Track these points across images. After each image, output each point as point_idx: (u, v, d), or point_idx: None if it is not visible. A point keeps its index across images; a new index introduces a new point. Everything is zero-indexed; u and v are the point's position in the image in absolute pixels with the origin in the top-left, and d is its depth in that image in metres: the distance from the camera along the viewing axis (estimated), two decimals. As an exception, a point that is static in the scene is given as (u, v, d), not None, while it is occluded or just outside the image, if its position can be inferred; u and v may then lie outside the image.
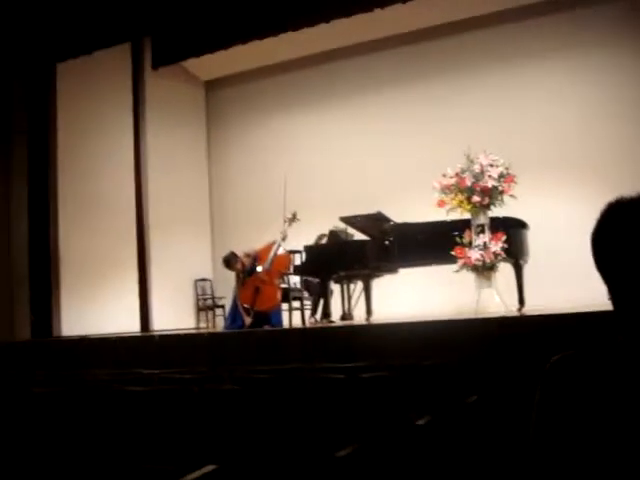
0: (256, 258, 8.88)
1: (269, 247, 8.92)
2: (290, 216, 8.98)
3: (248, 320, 8.63)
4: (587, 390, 1.30)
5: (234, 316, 8.90)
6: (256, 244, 9.31)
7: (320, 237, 9.30)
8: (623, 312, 1.36)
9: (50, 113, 10.52)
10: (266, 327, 8.48)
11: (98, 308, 10.51)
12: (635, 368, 1.28)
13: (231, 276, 9.32)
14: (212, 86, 13.30)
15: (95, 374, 5.46)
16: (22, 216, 10.08)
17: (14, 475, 2.05)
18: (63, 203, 10.47)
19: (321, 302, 8.99)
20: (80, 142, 10.85)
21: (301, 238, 9.35)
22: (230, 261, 9.01)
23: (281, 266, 8.85)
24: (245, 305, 8.73)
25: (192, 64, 12.07)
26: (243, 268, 8.88)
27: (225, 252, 9.47)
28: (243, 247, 9.35)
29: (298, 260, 9.22)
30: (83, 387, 4.18)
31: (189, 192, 12.52)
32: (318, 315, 9.05)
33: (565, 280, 9.17)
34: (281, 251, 8.91)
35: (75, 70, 10.61)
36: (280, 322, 8.77)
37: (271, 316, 8.67)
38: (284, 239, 8.95)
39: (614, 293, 1.40)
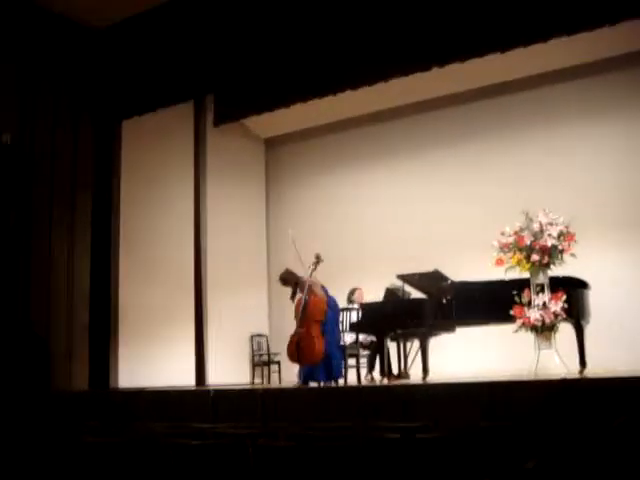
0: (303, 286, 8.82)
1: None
2: (314, 260, 8.87)
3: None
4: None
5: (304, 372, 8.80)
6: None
7: (388, 291, 9.16)
8: None
9: (114, 169, 10.79)
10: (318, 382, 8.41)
11: (155, 361, 10.59)
12: None
13: (287, 331, 9.24)
14: (272, 143, 13.52)
15: (149, 426, 5.47)
16: (84, 268, 10.29)
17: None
18: (124, 258, 10.65)
19: (377, 359, 8.92)
20: (142, 198, 11.10)
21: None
22: (286, 278, 8.98)
23: (316, 314, 8.71)
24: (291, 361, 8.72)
25: (252, 122, 12.31)
26: (298, 281, 8.85)
27: (283, 307, 9.46)
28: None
29: (354, 317, 9.18)
30: (136, 439, 4.18)
31: (247, 248, 12.65)
32: (375, 372, 8.96)
33: (627, 342, 8.94)
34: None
35: (140, 126, 10.90)
36: (339, 373, 8.66)
37: (321, 368, 8.53)
38: (310, 287, 8.77)
39: None
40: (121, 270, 10.60)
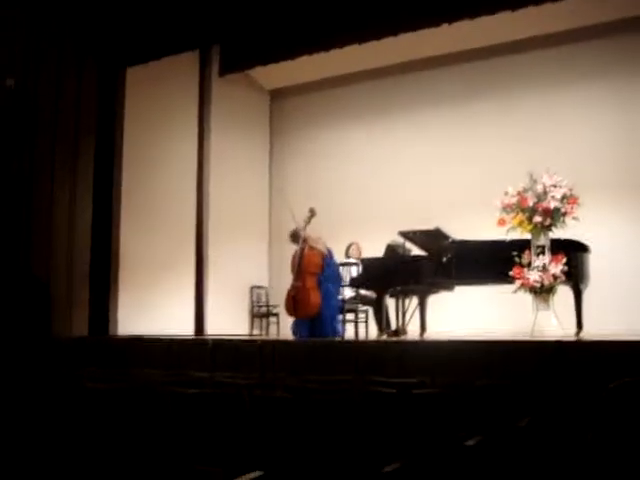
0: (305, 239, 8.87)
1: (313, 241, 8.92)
2: (308, 214, 8.95)
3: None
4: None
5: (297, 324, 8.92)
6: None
7: (389, 247, 9.18)
8: None
9: (117, 115, 10.72)
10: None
11: (154, 309, 10.65)
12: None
13: (286, 284, 9.29)
14: (277, 95, 13.41)
15: (147, 374, 5.52)
16: (85, 215, 10.28)
17: (65, 466, 2.09)
18: (126, 205, 10.64)
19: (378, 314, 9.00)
20: (145, 145, 11.04)
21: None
22: (296, 236, 9.01)
23: (311, 266, 8.79)
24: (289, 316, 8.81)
25: (258, 73, 12.20)
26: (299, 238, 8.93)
27: (283, 260, 9.50)
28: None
29: (355, 272, 9.21)
30: (135, 386, 4.23)
31: (250, 199, 12.63)
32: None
33: (625, 305, 8.99)
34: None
35: (144, 74, 10.80)
36: (337, 331, 8.73)
37: (322, 322, 8.61)
38: (305, 240, 8.90)
39: None
40: (123, 217, 10.59)
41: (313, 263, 8.77)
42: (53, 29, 10.07)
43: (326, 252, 8.93)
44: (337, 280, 8.94)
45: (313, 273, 8.73)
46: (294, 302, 8.70)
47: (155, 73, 10.85)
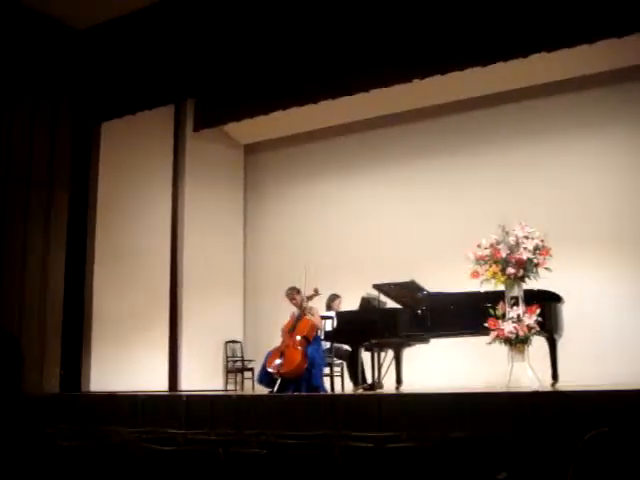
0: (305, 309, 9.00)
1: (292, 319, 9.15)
2: (312, 292, 9.18)
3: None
4: (622, 469, 1.27)
5: (264, 375, 8.93)
6: (288, 306, 9.34)
7: (364, 300, 9.24)
8: None
9: (92, 170, 10.73)
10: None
11: (128, 365, 10.52)
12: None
13: (261, 338, 9.32)
14: (251, 149, 13.49)
15: (120, 431, 5.43)
16: (59, 270, 10.19)
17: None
18: (100, 259, 10.59)
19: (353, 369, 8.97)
20: (120, 200, 11.04)
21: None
22: (292, 294, 9.16)
23: (305, 330, 8.90)
24: (270, 370, 8.76)
25: (232, 128, 12.31)
26: (301, 304, 9.05)
27: (258, 314, 9.53)
28: (275, 310, 9.42)
29: (329, 326, 9.20)
30: (108, 443, 4.15)
31: (224, 254, 12.61)
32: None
33: (600, 357, 9.03)
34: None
35: (120, 129, 10.85)
36: (320, 386, 8.74)
37: (301, 383, 8.63)
38: (305, 309, 9.11)
39: None
40: (96, 273, 10.54)
41: (308, 328, 8.96)
42: (27, 83, 10.09)
43: (321, 327, 9.04)
44: (320, 355, 9.01)
45: (305, 337, 8.84)
46: (281, 356, 8.73)
47: (131, 127, 10.91)
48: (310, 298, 9.18)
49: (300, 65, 9.52)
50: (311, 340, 8.94)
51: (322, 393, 8.61)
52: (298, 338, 8.84)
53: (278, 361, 8.76)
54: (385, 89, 9.32)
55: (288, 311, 9.37)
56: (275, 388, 8.63)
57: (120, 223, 11.03)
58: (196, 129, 11.77)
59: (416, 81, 9.06)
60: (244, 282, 13.02)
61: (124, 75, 10.31)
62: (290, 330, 8.97)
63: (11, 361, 2.33)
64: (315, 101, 9.83)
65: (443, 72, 8.76)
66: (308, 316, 9.09)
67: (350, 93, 9.50)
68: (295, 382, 8.66)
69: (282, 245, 12.64)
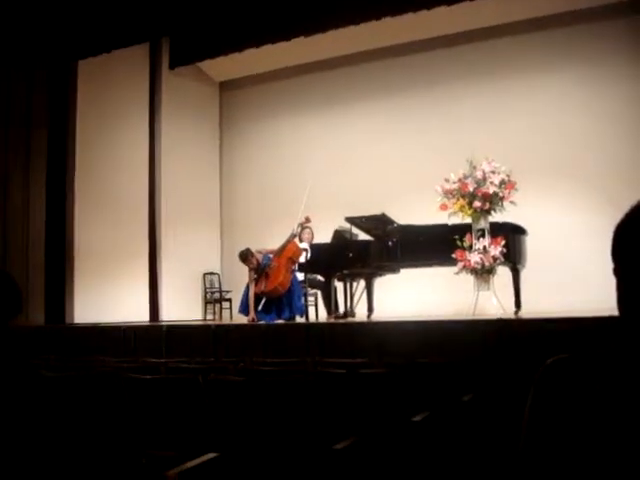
0: (269, 255, 8.91)
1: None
2: (304, 220, 9.12)
3: (251, 316, 8.65)
4: (581, 394, 1.28)
5: (246, 305, 8.91)
6: (264, 239, 9.33)
7: (337, 233, 9.23)
8: (632, 315, 1.30)
9: (70, 109, 10.52)
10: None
11: (110, 297, 10.52)
12: (635, 374, 1.25)
13: (238, 270, 9.30)
14: (226, 87, 13.29)
15: (104, 361, 5.45)
16: (40, 207, 10.09)
17: (19, 456, 2.04)
18: (80, 195, 10.48)
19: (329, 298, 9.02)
20: (98, 137, 10.86)
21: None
22: (247, 256, 8.97)
23: (289, 252, 8.87)
24: (257, 293, 8.73)
25: (208, 65, 12.09)
26: (258, 265, 8.87)
27: (235, 247, 9.47)
28: (251, 242, 9.35)
29: (303, 258, 9.21)
30: (92, 373, 4.17)
31: (201, 188, 12.52)
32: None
33: (561, 286, 9.15)
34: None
35: (95, 68, 10.61)
36: (302, 310, 8.80)
37: (284, 303, 8.65)
38: (295, 236, 9.07)
39: (628, 294, 1.31)
40: (77, 207, 10.43)
41: (294, 251, 8.91)
42: (1, 22, 9.79)
43: (306, 255, 9.02)
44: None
45: (291, 259, 8.79)
46: (265, 277, 8.70)
47: (108, 66, 10.67)
48: (301, 226, 9.16)
49: (274, 1, 9.32)
50: (295, 264, 8.93)
51: (299, 321, 8.65)
52: (284, 260, 8.81)
53: (264, 284, 8.76)
54: (358, 26, 9.17)
55: (263, 244, 9.34)
56: (260, 307, 8.64)
57: (99, 160, 10.88)
58: (172, 66, 11.55)
59: (388, 19, 8.92)
60: (221, 216, 12.98)
61: (99, 13, 10.01)
62: (277, 253, 8.88)
63: (9, 294, 2.30)
64: (288, 38, 9.66)
65: (415, 10, 8.63)
66: (298, 242, 9.08)
67: (324, 30, 9.34)
68: (277, 304, 8.68)
69: (257, 179, 12.56)
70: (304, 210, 9.26)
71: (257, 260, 8.85)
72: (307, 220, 9.18)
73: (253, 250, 8.92)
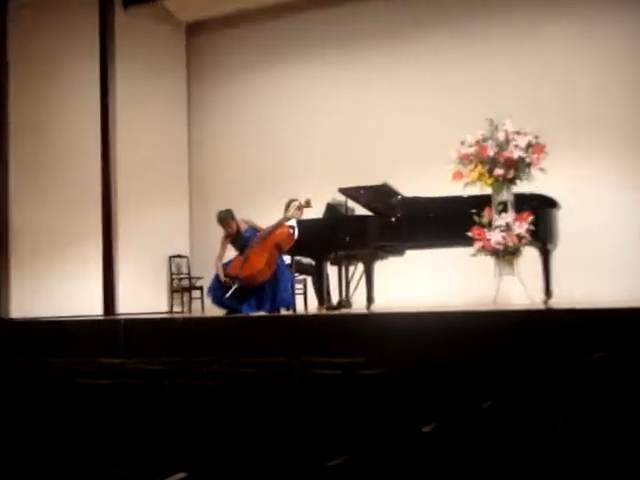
0: (255, 230, 8.81)
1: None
2: (304, 202, 8.90)
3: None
4: (623, 400, 1.29)
5: (216, 288, 8.78)
6: (243, 216, 9.29)
7: (329, 207, 9.16)
8: None
9: (1, 58, 10.44)
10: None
11: (54, 287, 10.51)
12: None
13: (211, 252, 9.19)
14: (194, 30, 13.16)
15: (48, 362, 5.45)
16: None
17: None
18: (15, 168, 10.44)
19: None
20: (36, 95, 10.78)
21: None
22: (226, 219, 8.85)
23: (278, 237, 8.76)
24: (230, 273, 8.64)
25: (171, 3, 12.00)
26: (237, 233, 8.78)
27: (206, 225, 9.41)
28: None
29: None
30: (33, 378, 4.16)
31: (165, 155, 12.48)
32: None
33: (600, 270, 9.18)
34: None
35: (30, 9, 10.51)
36: (289, 302, 8.76)
37: (266, 292, 8.59)
38: (287, 218, 8.93)
39: None
40: (12, 183, 10.40)
41: (284, 238, 8.76)
42: None
43: (293, 233, 8.94)
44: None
45: (278, 245, 8.66)
46: (245, 260, 8.59)
47: (44, 7, 10.57)
48: (300, 209, 8.99)
49: None
50: (282, 253, 8.87)
51: (284, 313, 8.63)
52: (270, 244, 8.73)
53: (239, 267, 8.66)
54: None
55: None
56: (228, 294, 8.56)
57: (39, 124, 10.82)
58: (126, 5, 11.46)
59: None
60: (189, 187, 12.95)
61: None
62: (264, 235, 8.74)
63: None
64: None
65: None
66: (288, 225, 8.94)
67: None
68: (257, 294, 8.63)
69: (233, 143, 12.50)
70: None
71: (237, 226, 8.77)
72: (307, 204, 8.92)
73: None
